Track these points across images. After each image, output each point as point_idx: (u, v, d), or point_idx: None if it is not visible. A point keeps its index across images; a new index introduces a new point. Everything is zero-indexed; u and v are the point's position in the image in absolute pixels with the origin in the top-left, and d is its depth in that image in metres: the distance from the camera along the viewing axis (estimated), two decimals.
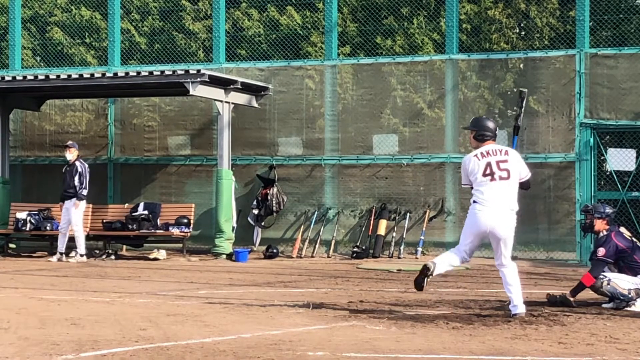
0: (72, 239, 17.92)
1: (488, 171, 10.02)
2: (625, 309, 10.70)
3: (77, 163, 18.17)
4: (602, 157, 18.27)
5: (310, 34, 20.52)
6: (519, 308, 9.98)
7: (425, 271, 9.97)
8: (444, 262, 10.13)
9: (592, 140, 17.87)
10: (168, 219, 18.99)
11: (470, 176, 10.12)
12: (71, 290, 12.73)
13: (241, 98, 19.02)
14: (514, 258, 17.76)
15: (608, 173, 18.41)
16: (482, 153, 10.11)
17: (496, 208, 9.95)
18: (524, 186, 10.25)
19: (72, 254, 17.85)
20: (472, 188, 10.17)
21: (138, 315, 9.89)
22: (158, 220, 19.00)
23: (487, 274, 15.63)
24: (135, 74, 18.66)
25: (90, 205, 19.16)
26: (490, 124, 10.36)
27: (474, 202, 10.06)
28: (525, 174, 10.19)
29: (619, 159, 17.94)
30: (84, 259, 17.82)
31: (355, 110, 19.35)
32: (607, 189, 18.38)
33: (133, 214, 19.03)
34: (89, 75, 18.61)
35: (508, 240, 10.09)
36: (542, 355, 7.78)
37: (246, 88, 18.96)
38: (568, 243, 17.77)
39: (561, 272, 15.76)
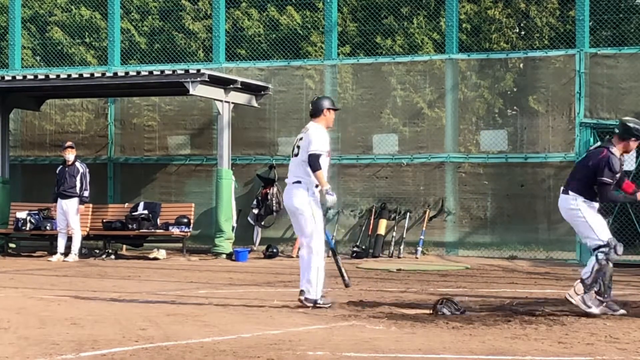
0: (68, 239, 18.07)
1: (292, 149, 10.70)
2: (585, 309, 10.09)
3: (77, 163, 18.22)
4: None
5: (310, 33, 20.52)
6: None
7: None
8: None
9: (592, 140, 17.84)
10: (168, 219, 18.99)
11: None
12: (71, 290, 12.72)
13: (241, 98, 19.02)
14: (513, 257, 17.99)
15: None
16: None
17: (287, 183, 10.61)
18: (309, 162, 10.39)
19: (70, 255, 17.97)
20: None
21: (138, 315, 9.88)
22: (158, 220, 19.00)
23: (487, 274, 15.64)
24: (135, 73, 18.67)
25: (91, 205, 19.18)
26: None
27: None
28: (312, 149, 10.40)
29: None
30: (77, 257, 17.94)
31: (355, 110, 19.34)
32: None
33: (133, 213, 19.03)
34: (89, 75, 18.61)
35: (298, 214, 10.44)
36: (542, 355, 7.78)
37: (246, 88, 18.96)
38: (568, 243, 17.74)
39: (561, 272, 15.75)
